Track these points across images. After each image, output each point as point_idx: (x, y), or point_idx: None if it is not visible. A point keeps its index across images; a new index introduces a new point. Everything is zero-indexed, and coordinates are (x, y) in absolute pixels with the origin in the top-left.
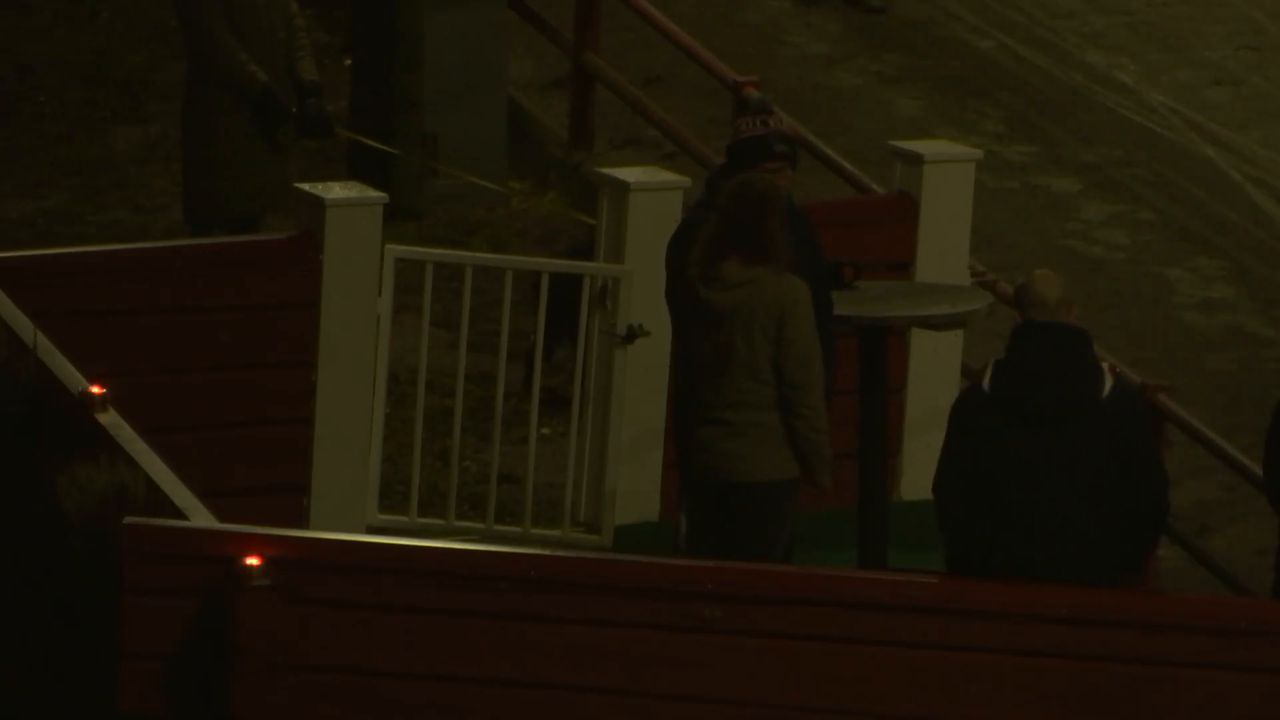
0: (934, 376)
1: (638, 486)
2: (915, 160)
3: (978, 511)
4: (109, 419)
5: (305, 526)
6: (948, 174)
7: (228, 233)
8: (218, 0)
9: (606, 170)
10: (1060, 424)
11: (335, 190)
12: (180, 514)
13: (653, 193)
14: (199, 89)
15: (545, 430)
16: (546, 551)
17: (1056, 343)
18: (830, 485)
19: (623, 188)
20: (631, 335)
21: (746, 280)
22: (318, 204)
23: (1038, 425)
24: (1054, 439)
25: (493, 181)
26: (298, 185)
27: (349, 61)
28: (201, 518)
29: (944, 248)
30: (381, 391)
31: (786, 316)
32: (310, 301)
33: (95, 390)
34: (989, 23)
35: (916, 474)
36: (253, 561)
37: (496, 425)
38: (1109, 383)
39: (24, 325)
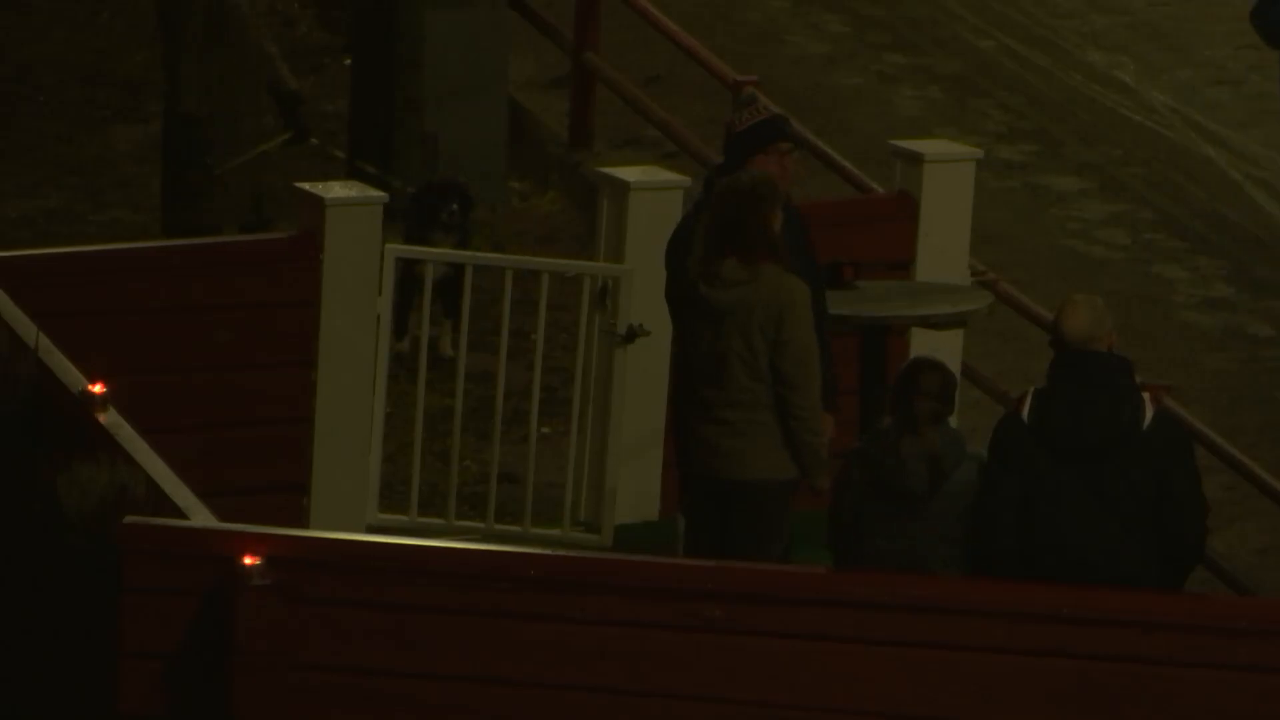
0: None
1: (638, 486)
2: (915, 160)
3: (1023, 542)
4: (109, 419)
5: (305, 526)
6: (948, 174)
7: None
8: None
9: (606, 170)
10: (1101, 457)
11: (335, 190)
12: (180, 514)
13: (653, 192)
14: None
15: (545, 430)
16: (546, 551)
17: (1093, 375)
18: (827, 486)
19: (623, 187)
20: (631, 335)
21: (745, 279)
22: (318, 204)
23: (1077, 459)
24: (1094, 472)
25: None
26: (298, 185)
27: (349, 61)
28: (201, 517)
29: (944, 248)
30: (381, 391)
31: (784, 316)
32: (310, 301)
33: (95, 390)
34: (989, 22)
35: None
36: (252, 561)
37: (496, 425)
38: (1150, 412)
39: (24, 325)
